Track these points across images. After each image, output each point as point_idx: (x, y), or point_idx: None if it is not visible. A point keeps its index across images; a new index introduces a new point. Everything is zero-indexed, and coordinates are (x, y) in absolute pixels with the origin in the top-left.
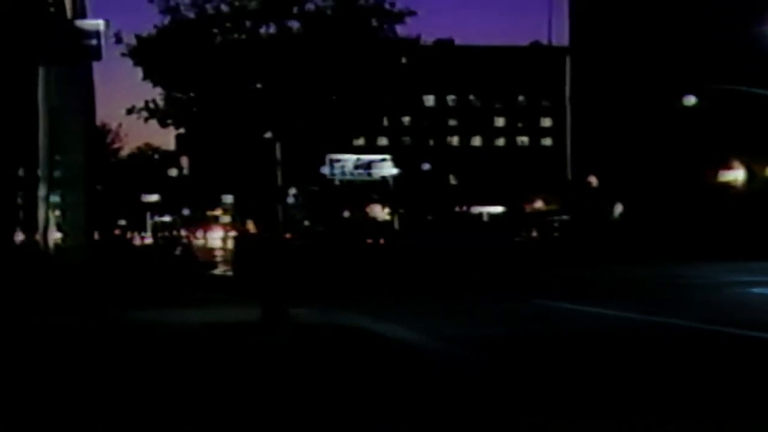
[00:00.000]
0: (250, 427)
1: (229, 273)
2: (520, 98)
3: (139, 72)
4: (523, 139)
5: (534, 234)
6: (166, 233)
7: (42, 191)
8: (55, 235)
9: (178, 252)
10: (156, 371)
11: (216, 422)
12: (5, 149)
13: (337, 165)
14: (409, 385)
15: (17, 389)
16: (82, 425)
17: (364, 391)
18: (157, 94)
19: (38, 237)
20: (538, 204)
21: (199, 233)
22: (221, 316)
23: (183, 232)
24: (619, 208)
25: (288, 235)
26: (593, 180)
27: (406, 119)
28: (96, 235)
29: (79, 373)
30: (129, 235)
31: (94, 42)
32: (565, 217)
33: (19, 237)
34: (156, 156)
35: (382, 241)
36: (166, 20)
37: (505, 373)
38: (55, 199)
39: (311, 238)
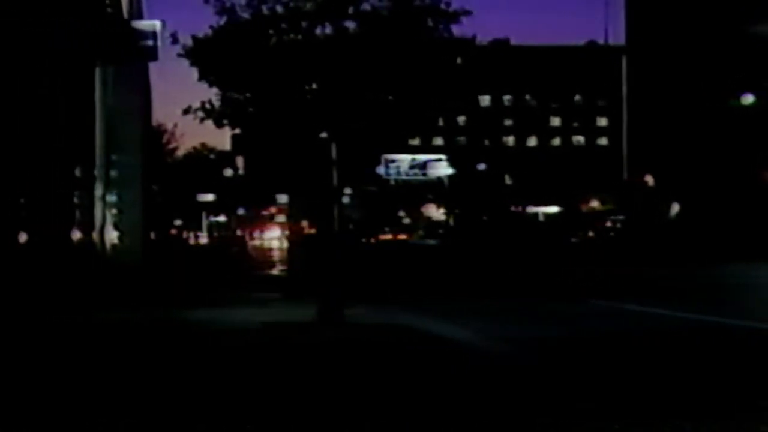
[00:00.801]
0: (315, 422)
1: (285, 272)
2: (576, 98)
3: (195, 72)
4: (579, 139)
5: (590, 234)
6: (223, 232)
7: (99, 191)
8: (111, 235)
9: (233, 251)
10: (217, 369)
11: (276, 418)
12: (63, 149)
13: (392, 165)
14: (458, 383)
15: (81, 386)
16: (150, 418)
17: (412, 388)
18: (213, 94)
19: (95, 236)
20: (594, 204)
21: (255, 233)
22: (278, 315)
23: (238, 232)
24: (675, 208)
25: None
26: (649, 179)
27: (462, 119)
28: (152, 235)
29: (141, 371)
30: (185, 234)
31: (150, 42)
32: (621, 216)
33: (77, 236)
34: (212, 156)
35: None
36: (222, 21)
37: (557, 371)
38: (111, 198)
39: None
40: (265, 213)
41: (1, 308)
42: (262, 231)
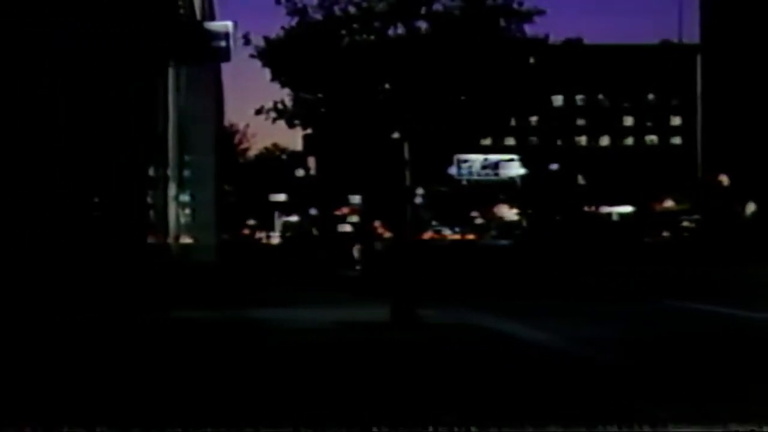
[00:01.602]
0: (396, 419)
1: (357, 272)
2: (650, 97)
3: (267, 73)
4: (653, 138)
5: (664, 234)
6: (297, 231)
7: (173, 191)
8: (185, 234)
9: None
10: (293, 367)
11: (353, 415)
12: (137, 149)
13: (464, 165)
14: (531, 381)
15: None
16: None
17: (485, 385)
18: (285, 94)
19: (169, 236)
20: (668, 203)
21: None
22: (352, 315)
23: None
24: (751, 207)
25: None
26: (724, 179)
27: (534, 119)
28: (226, 235)
29: (220, 367)
30: (257, 234)
31: (222, 43)
32: (695, 216)
33: (151, 235)
34: (283, 156)
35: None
36: (294, 22)
37: (630, 371)
38: (185, 198)
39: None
40: (336, 213)
41: (81, 306)
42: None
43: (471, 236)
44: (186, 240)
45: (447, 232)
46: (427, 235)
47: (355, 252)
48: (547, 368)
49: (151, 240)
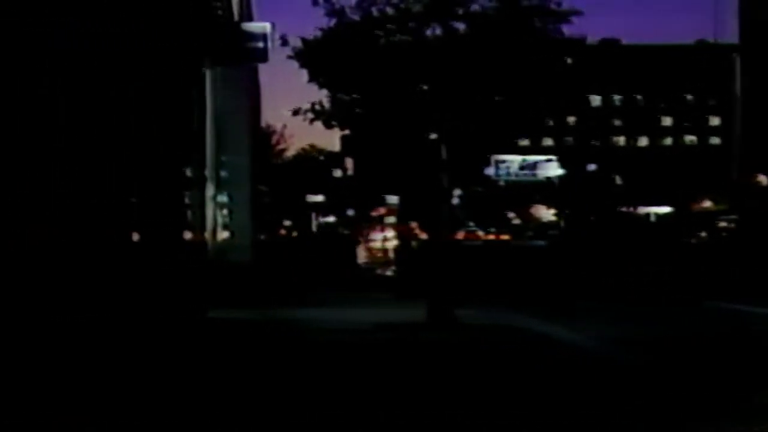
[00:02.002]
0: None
1: (394, 273)
2: (688, 97)
3: (304, 74)
4: (691, 138)
5: (703, 234)
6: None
7: (210, 191)
8: (222, 235)
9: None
10: (334, 366)
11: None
12: (174, 150)
13: (502, 166)
14: (570, 383)
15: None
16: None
17: (522, 385)
18: (322, 95)
19: (206, 236)
20: (706, 204)
21: (364, 234)
22: (389, 315)
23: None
24: None
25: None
26: (763, 179)
27: (572, 119)
28: (262, 236)
29: (261, 366)
30: (293, 235)
31: (260, 44)
32: (733, 216)
33: (188, 236)
34: (321, 157)
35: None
36: (332, 23)
37: (669, 374)
38: (222, 198)
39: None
40: (374, 214)
41: (120, 307)
42: (371, 232)
43: (505, 236)
44: (223, 240)
45: (480, 233)
46: (460, 235)
47: (360, 252)
48: (581, 371)
49: (188, 240)
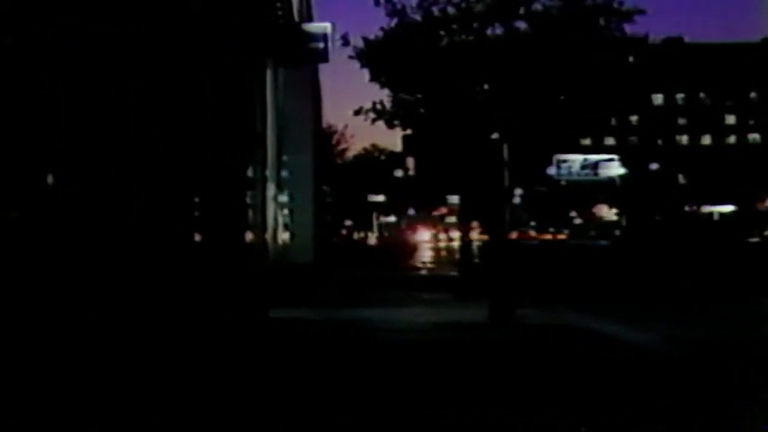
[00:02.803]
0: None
1: (455, 273)
2: (752, 95)
3: (366, 74)
4: (755, 137)
5: (766, 233)
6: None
7: (271, 191)
8: (284, 235)
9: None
10: (397, 365)
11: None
12: (236, 150)
13: (564, 165)
14: (636, 386)
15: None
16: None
17: (587, 385)
18: (384, 95)
19: (268, 236)
20: None
21: (426, 233)
22: (449, 315)
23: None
24: None
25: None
26: None
27: (634, 118)
28: (323, 236)
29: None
30: (355, 235)
31: (321, 45)
32: None
33: (249, 236)
34: (382, 157)
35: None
36: (393, 23)
37: (729, 374)
38: (283, 199)
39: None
40: (434, 214)
41: (182, 307)
42: (414, 232)
43: (562, 236)
44: (285, 240)
45: (532, 232)
46: (513, 235)
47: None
48: (648, 374)
49: (250, 240)
